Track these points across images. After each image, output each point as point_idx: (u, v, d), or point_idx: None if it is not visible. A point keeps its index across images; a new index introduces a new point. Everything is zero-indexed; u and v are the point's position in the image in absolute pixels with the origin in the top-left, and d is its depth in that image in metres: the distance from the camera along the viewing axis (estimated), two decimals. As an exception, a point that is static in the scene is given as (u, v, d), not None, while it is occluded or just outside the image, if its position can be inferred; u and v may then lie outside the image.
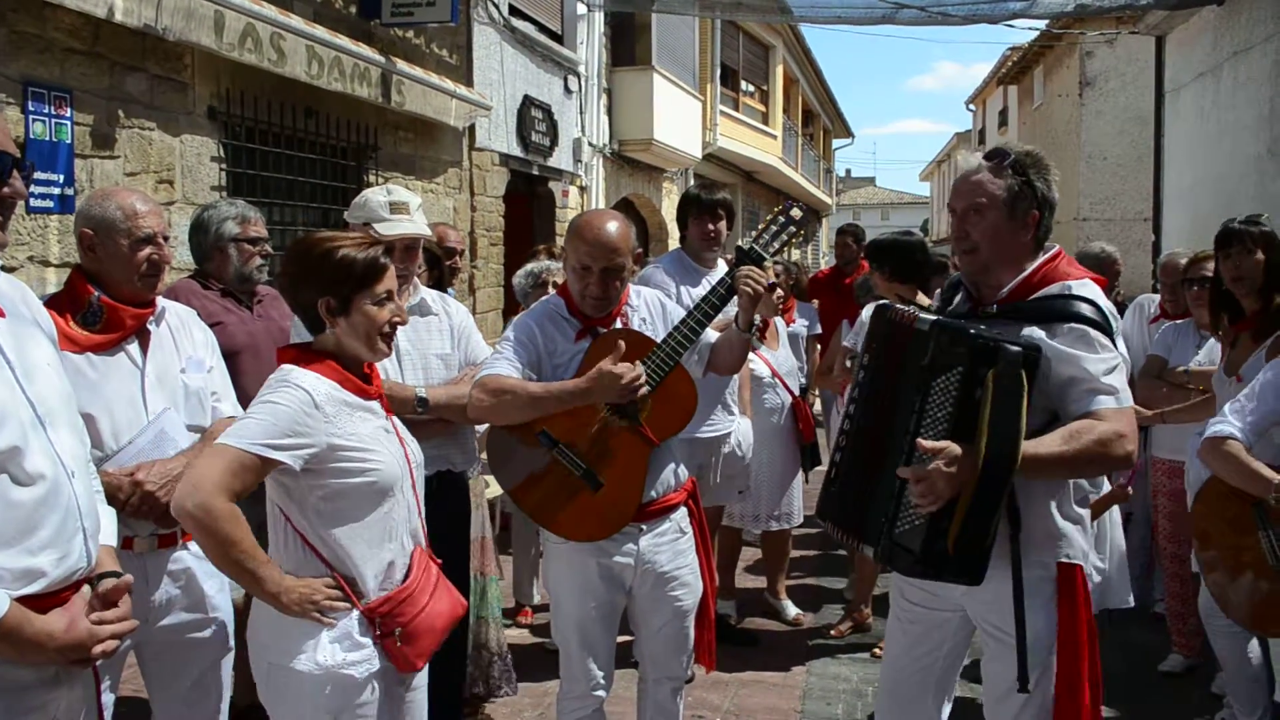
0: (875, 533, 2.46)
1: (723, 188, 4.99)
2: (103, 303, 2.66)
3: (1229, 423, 2.99)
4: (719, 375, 3.30)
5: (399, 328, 3.21)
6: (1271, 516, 2.96)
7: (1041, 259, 2.54)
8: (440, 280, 4.24)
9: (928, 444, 2.29)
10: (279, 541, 2.31)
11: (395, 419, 2.49)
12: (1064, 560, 2.48)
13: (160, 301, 2.81)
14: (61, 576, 1.89)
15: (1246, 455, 2.94)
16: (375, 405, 2.40)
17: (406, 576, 2.37)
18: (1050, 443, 2.36)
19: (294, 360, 2.33)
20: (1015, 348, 2.32)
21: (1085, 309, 2.42)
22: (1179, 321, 4.67)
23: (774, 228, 3.13)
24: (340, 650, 2.23)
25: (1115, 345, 2.45)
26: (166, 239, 2.78)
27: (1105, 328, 2.43)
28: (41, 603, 1.86)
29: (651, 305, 3.18)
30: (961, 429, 2.32)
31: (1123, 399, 2.41)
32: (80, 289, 2.69)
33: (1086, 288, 2.48)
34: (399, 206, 3.24)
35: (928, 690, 2.75)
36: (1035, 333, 2.42)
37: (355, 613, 2.27)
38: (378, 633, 2.28)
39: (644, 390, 2.85)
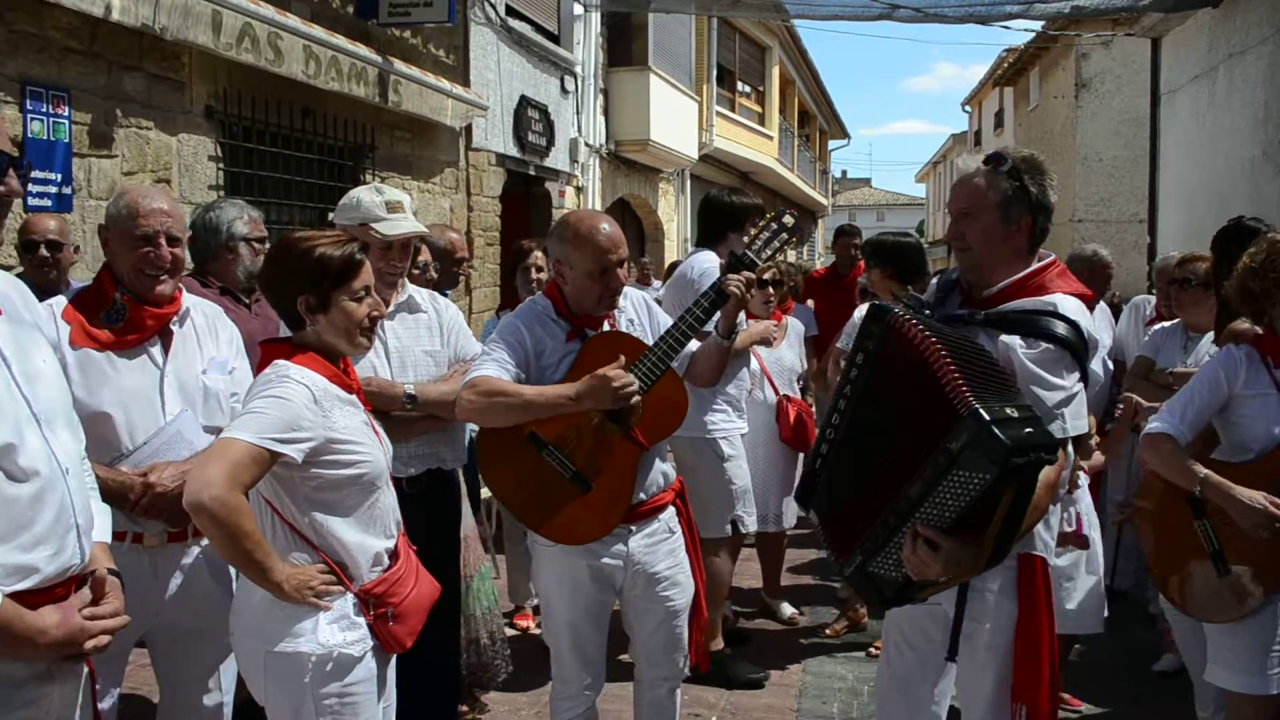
0: (850, 548, 2.47)
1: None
2: (125, 302, 2.68)
3: (1165, 420, 3.10)
4: (694, 385, 3.22)
5: (388, 325, 3.25)
6: (1207, 507, 3.07)
7: (1036, 265, 2.56)
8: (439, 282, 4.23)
9: (933, 536, 2.26)
10: (264, 532, 2.33)
11: (370, 414, 2.54)
12: (1023, 552, 2.49)
13: (185, 300, 2.82)
14: (55, 572, 1.90)
15: (1178, 451, 3.06)
16: (356, 399, 2.47)
17: (393, 560, 2.46)
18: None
19: (285, 355, 2.37)
20: (1043, 459, 2.24)
21: (1062, 329, 2.42)
22: (1167, 323, 4.68)
23: (766, 234, 3.14)
24: (339, 630, 2.32)
25: (1086, 368, 2.46)
26: (176, 239, 2.76)
27: (1080, 351, 2.44)
28: (34, 598, 1.87)
29: (638, 306, 3.19)
30: (969, 517, 2.27)
31: (1068, 427, 2.42)
32: (108, 287, 2.72)
33: (1070, 305, 2.47)
34: (395, 205, 3.25)
35: (928, 679, 2.75)
36: (1013, 340, 2.43)
37: (349, 595, 2.35)
38: (370, 614, 2.36)
39: (636, 398, 2.83)
